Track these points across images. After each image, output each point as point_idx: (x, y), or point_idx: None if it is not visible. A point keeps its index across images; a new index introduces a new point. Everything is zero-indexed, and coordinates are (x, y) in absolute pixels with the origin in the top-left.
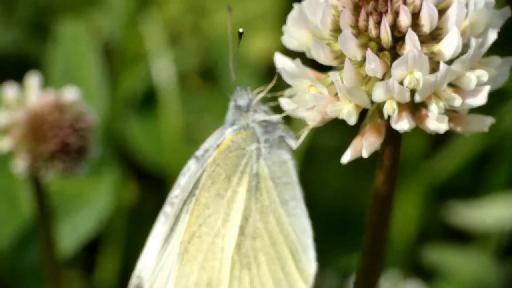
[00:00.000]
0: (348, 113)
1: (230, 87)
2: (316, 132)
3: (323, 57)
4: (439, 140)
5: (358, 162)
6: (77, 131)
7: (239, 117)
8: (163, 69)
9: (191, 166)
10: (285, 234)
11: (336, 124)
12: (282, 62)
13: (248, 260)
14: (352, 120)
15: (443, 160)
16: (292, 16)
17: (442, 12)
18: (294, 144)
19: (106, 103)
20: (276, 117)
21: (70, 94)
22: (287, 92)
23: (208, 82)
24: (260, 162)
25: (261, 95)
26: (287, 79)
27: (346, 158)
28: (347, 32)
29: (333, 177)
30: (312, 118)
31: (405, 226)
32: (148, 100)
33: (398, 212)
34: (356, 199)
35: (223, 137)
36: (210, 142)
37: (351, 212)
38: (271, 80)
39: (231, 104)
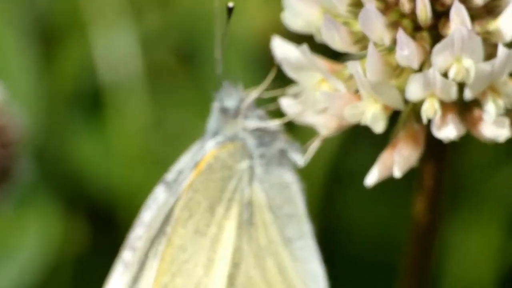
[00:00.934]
0: (373, 116)
1: (215, 78)
2: (341, 147)
3: (339, 41)
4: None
5: (392, 184)
6: None
7: (225, 124)
8: (118, 52)
9: (159, 195)
10: (289, 284)
11: (366, 134)
12: (282, 49)
13: None
14: (379, 127)
15: None
16: None
17: None
18: (300, 160)
19: (41, 105)
20: (275, 124)
21: None
22: (290, 90)
23: (186, 68)
24: (253, 186)
25: (255, 94)
26: (289, 72)
27: (372, 178)
28: (371, 6)
29: (361, 206)
30: (325, 125)
31: (474, 269)
32: (96, 97)
33: (459, 250)
34: (391, 234)
35: (203, 152)
36: (185, 160)
37: (384, 252)
38: (266, 70)
39: (215, 106)
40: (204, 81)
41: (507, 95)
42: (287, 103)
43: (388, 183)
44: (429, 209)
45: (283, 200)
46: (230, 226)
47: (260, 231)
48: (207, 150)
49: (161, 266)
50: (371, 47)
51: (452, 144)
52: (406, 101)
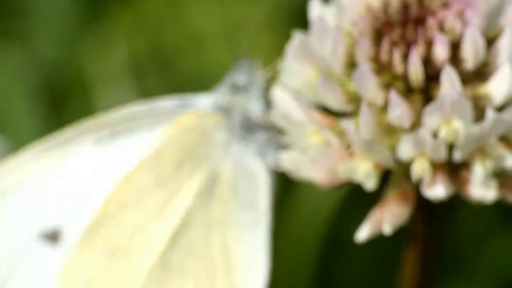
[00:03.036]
0: (365, 174)
1: None
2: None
3: (334, 100)
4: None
5: (392, 252)
6: None
7: (226, 96)
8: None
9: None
10: (228, 265)
11: (363, 202)
12: (282, 98)
13: (168, 278)
14: (370, 184)
15: None
16: (293, 47)
17: (490, 43)
18: (269, 160)
19: None
20: (264, 118)
21: None
22: (282, 136)
23: None
24: (226, 161)
25: (263, 77)
26: (281, 123)
27: (363, 234)
28: (365, 67)
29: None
30: (320, 180)
31: None
32: None
33: None
34: None
35: (194, 104)
36: (178, 101)
37: None
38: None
39: (228, 76)
40: None
41: (495, 157)
42: (285, 158)
43: (388, 252)
44: (418, 268)
45: (248, 186)
46: (192, 186)
47: (216, 204)
48: (198, 105)
49: (113, 195)
50: (364, 107)
51: (445, 209)
52: (397, 160)
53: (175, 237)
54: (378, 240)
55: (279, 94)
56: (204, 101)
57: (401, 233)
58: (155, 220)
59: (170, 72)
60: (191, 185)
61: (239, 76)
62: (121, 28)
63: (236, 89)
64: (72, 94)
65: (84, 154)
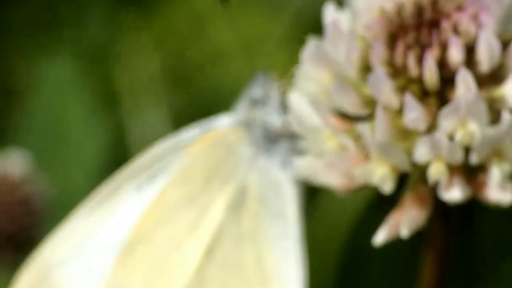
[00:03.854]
0: (382, 177)
1: None
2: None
3: (349, 104)
4: None
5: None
6: (17, 217)
7: (247, 110)
8: (148, 127)
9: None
10: (263, 275)
11: (384, 210)
12: (298, 103)
13: None
14: (387, 187)
15: None
16: (308, 52)
17: (505, 45)
18: (292, 169)
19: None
20: (284, 127)
21: (12, 161)
22: (301, 140)
23: None
24: (252, 175)
25: (281, 88)
26: (299, 128)
27: (380, 238)
28: (380, 71)
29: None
30: (336, 185)
31: None
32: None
33: None
34: None
35: (216, 125)
36: (200, 126)
37: None
38: None
39: (246, 91)
40: None
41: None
42: (301, 164)
43: (408, 259)
44: (436, 272)
45: (276, 198)
46: (221, 201)
47: (247, 218)
48: (220, 124)
49: (145, 216)
50: (380, 111)
51: (464, 212)
52: (414, 163)
53: (209, 252)
54: (399, 248)
55: (295, 99)
56: (225, 120)
57: (421, 239)
58: (188, 236)
59: (190, 89)
60: (221, 200)
61: (256, 90)
62: (141, 44)
63: (255, 102)
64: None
65: (128, 204)
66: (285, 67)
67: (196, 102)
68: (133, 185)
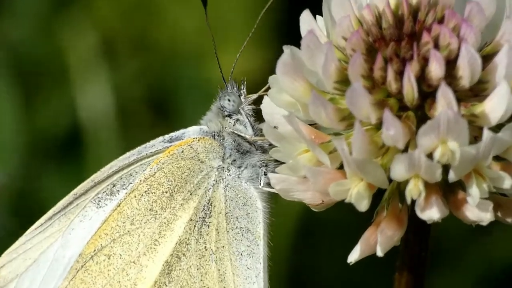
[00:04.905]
0: (357, 195)
1: (189, 122)
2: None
3: (325, 118)
4: None
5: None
6: None
7: (216, 121)
8: (93, 97)
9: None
10: None
11: None
12: (270, 111)
13: None
14: (363, 205)
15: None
16: (282, 61)
17: (487, 59)
18: (262, 183)
19: (14, 149)
20: (254, 139)
21: None
22: (273, 153)
23: (159, 115)
24: (218, 189)
25: (251, 99)
26: (272, 139)
27: (354, 256)
28: (358, 85)
29: (336, 263)
30: (312, 201)
31: None
32: (72, 143)
33: None
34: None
35: (183, 136)
36: (165, 137)
37: None
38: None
39: (216, 102)
40: (172, 125)
41: (492, 179)
42: (275, 179)
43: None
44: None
45: (242, 214)
46: (184, 217)
47: (211, 234)
48: (188, 134)
49: (103, 228)
50: (357, 126)
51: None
52: (391, 180)
53: (168, 269)
54: (351, 221)
55: (268, 110)
56: (193, 130)
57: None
58: (146, 251)
59: (144, 55)
60: (184, 214)
61: (226, 100)
62: (95, 11)
63: (224, 113)
64: (47, 77)
65: (86, 218)
66: (252, 66)
67: (148, 68)
68: (92, 199)
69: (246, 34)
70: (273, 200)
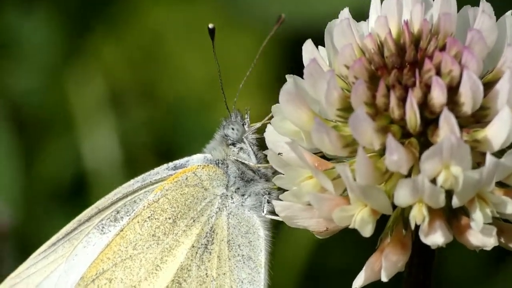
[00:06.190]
0: (361, 221)
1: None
2: (320, 246)
3: (329, 145)
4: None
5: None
6: None
7: (220, 149)
8: (99, 146)
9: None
10: None
11: (349, 233)
12: (273, 139)
13: None
14: (367, 231)
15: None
16: (285, 90)
17: (488, 86)
18: (265, 211)
19: (19, 197)
20: (258, 166)
21: None
22: (276, 180)
23: (163, 163)
24: (221, 216)
25: (255, 128)
26: (276, 166)
27: (359, 282)
28: (361, 111)
29: None
30: (316, 229)
31: None
32: (78, 192)
33: None
34: None
35: (187, 164)
36: (169, 164)
37: None
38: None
39: (219, 130)
40: None
41: (495, 204)
42: (280, 206)
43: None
44: None
45: (244, 241)
46: (186, 244)
47: (213, 262)
48: (191, 163)
49: (105, 252)
50: (361, 153)
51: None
52: (395, 206)
53: None
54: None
55: (271, 138)
56: (197, 157)
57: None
58: (149, 277)
59: (151, 104)
60: (186, 242)
61: (230, 128)
62: (104, 61)
63: (228, 141)
64: (53, 127)
65: (90, 244)
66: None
67: (155, 119)
68: (96, 225)
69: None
70: (276, 230)
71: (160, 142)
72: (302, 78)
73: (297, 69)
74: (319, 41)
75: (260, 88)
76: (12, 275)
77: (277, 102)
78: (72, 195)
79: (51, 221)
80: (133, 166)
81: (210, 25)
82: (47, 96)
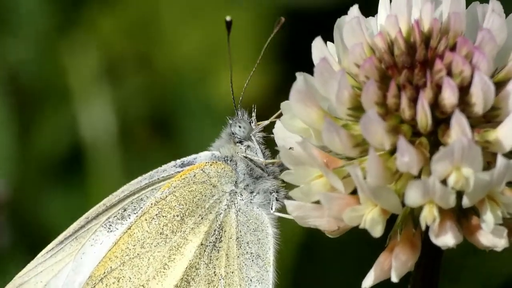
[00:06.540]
0: (371, 220)
1: (192, 143)
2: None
3: (339, 144)
4: None
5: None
6: None
7: (227, 146)
8: (95, 118)
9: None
10: None
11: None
12: (283, 136)
13: None
14: (377, 231)
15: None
16: (296, 88)
17: (499, 85)
18: (274, 208)
19: (15, 168)
20: (266, 162)
21: None
22: (285, 175)
23: (161, 135)
24: (230, 214)
25: (262, 125)
26: (288, 162)
27: (369, 281)
28: (372, 112)
29: (332, 281)
30: (327, 228)
31: None
32: (73, 163)
33: None
34: None
35: (195, 161)
36: (177, 161)
37: None
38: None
39: (226, 128)
40: (174, 146)
41: (506, 204)
42: (292, 206)
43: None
44: None
45: (253, 239)
46: (194, 242)
47: (221, 260)
48: (198, 160)
49: (113, 251)
50: (371, 152)
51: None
52: (404, 206)
53: None
54: (356, 247)
55: (280, 134)
56: (204, 155)
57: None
58: (157, 275)
59: (147, 75)
60: (194, 240)
61: (237, 126)
62: (100, 32)
63: (235, 139)
64: (49, 98)
65: (97, 242)
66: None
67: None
68: (103, 223)
69: (250, 57)
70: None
71: (157, 112)
72: (305, 65)
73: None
74: (316, 25)
75: (263, 74)
76: (20, 273)
77: (281, 88)
78: (68, 166)
79: (47, 192)
80: (130, 137)
81: (228, 18)
82: (42, 67)
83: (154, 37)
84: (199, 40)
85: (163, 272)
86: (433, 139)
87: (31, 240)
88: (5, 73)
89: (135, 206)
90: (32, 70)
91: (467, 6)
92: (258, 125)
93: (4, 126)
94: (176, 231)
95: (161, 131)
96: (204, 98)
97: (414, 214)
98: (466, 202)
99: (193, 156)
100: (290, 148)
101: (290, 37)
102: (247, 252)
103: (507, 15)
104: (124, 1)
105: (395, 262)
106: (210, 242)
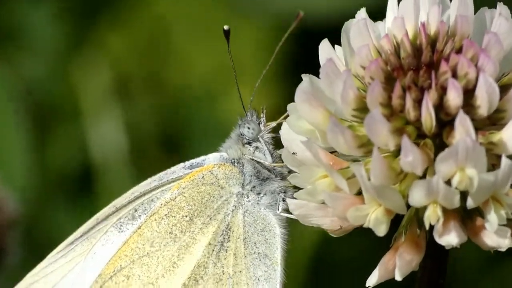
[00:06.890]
0: (376, 220)
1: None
2: (327, 238)
3: (344, 145)
4: None
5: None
6: None
7: (236, 147)
8: (106, 136)
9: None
10: None
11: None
12: (289, 137)
13: None
14: (381, 230)
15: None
16: (301, 89)
17: (505, 89)
18: (280, 209)
19: (27, 185)
20: (273, 165)
21: None
22: (292, 178)
23: (171, 154)
24: (237, 215)
25: (270, 126)
26: (290, 165)
27: (373, 280)
28: (377, 112)
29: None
30: (330, 227)
31: None
32: (84, 181)
33: None
34: None
35: (203, 163)
36: (186, 163)
37: None
38: None
39: (235, 129)
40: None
41: (510, 205)
42: (294, 205)
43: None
44: None
45: (260, 239)
46: (203, 241)
47: (229, 259)
48: (208, 161)
49: (123, 250)
50: (376, 153)
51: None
52: (409, 206)
53: None
54: (368, 259)
55: (287, 136)
56: (213, 156)
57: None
58: (166, 274)
59: (158, 94)
60: (203, 240)
61: (245, 127)
62: (110, 51)
63: (244, 140)
64: (61, 116)
65: (108, 242)
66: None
67: (162, 107)
68: (114, 223)
69: (259, 70)
70: (290, 227)
71: (167, 131)
72: (314, 74)
73: (306, 63)
74: (326, 34)
75: (274, 84)
76: (31, 273)
77: (287, 95)
78: (79, 184)
79: (58, 209)
80: (140, 155)
81: (225, 27)
82: (54, 85)
83: (164, 55)
84: (210, 59)
85: (172, 270)
86: (438, 142)
87: (41, 257)
88: (19, 90)
89: (145, 207)
90: (44, 88)
91: (476, 11)
92: (267, 126)
93: (17, 143)
94: (185, 231)
95: (172, 150)
96: (214, 117)
97: (419, 215)
98: (470, 203)
99: (202, 157)
100: (293, 153)
101: (304, 51)
102: (254, 252)
103: None
104: (135, 21)
105: (399, 261)
106: (218, 242)
